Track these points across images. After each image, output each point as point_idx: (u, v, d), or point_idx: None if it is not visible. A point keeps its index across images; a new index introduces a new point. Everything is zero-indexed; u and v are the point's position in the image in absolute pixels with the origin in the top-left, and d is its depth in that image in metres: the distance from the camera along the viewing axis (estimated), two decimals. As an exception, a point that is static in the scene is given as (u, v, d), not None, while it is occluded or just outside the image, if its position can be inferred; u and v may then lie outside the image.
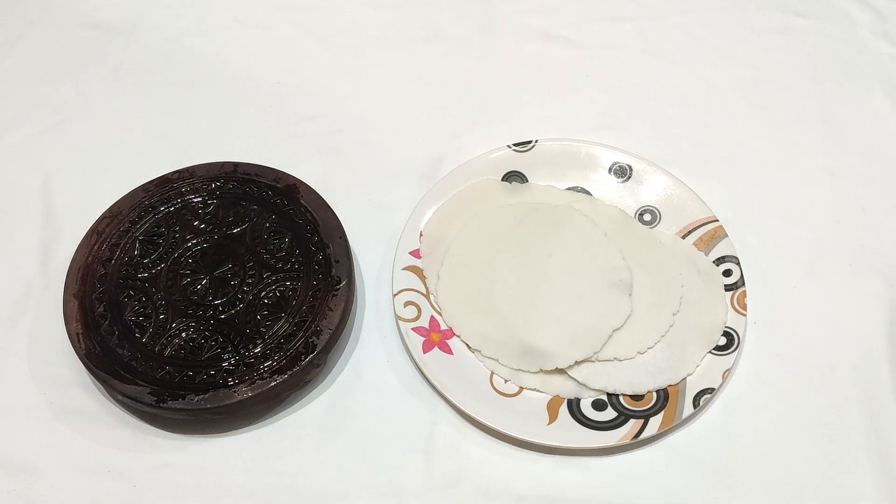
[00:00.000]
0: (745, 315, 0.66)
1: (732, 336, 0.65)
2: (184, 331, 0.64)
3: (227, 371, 0.61)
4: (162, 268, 0.67)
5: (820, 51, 0.85)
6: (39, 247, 0.72)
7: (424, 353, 0.64)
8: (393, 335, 0.67)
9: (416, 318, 0.66)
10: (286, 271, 0.67)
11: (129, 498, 0.60)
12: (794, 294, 0.69)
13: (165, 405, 0.60)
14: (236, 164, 0.73)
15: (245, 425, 0.63)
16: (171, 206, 0.70)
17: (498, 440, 0.62)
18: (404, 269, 0.68)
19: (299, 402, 0.64)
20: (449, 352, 0.65)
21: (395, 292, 0.67)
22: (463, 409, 0.62)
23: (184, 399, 0.60)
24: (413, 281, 0.68)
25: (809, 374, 0.65)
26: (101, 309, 0.65)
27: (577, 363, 0.63)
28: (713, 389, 0.62)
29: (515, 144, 0.75)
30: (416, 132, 0.79)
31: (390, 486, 0.60)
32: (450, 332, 0.66)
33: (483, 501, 0.60)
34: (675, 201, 0.72)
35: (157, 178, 0.72)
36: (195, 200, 0.71)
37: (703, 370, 0.63)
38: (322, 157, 0.77)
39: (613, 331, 0.64)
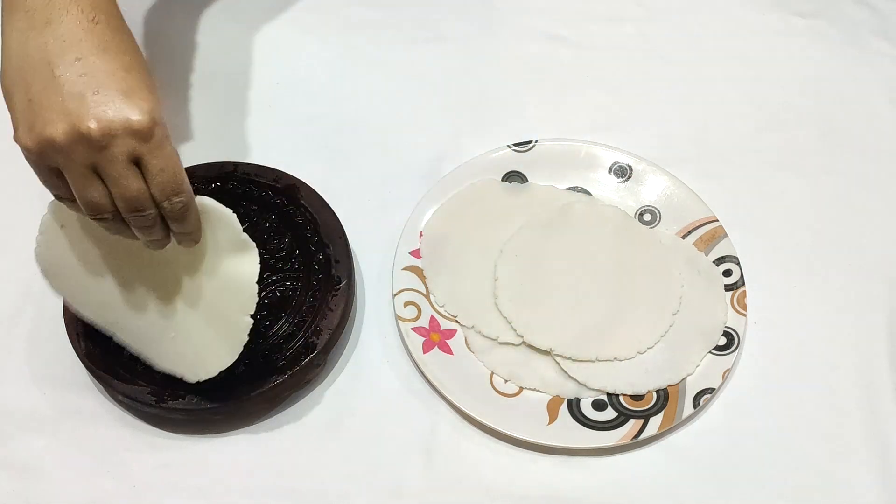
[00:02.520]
0: (745, 315, 0.66)
1: (732, 336, 0.65)
2: (184, 331, 0.64)
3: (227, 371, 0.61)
4: (162, 268, 0.67)
5: (820, 51, 0.85)
6: (39, 247, 0.72)
7: (424, 353, 0.64)
8: (393, 335, 0.67)
9: (416, 318, 0.66)
10: (286, 271, 0.67)
11: (129, 498, 0.60)
12: (794, 294, 0.69)
13: (165, 405, 0.60)
14: (236, 164, 0.73)
15: (245, 425, 0.63)
16: (171, 206, 0.70)
17: (498, 440, 0.62)
18: (404, 269, 0.68)
19: (299, 402, 0.64)
20: (449, 352, 0.65)
21: (395, 292, 0.67)
22: (463, 409, 0.62)
23: (184, 399, 0.60)
24: (413, 281, 0.68)
25: (809, 374, 0.65)
26: (101, 309, 0.65)
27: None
28: (713, 389, 0.62)
29: (515, 144, 0.75)
30: (417, 132, 0.79)
31: (390, 486, 0.60)
32: (450, 332, 0.66)
33: (483, 501, 0.60)
34: (675, 201, 0.72)
35: (157, 178, 0.72)
36: (195, 200, 0.71)
37: (703, 370, 0.63)
38: (322, 157, 0.77)
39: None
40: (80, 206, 0.47)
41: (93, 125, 0.44)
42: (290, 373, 0.61)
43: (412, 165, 0.77)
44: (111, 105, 0.44)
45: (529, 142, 0.75)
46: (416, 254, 0.69)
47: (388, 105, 0.81)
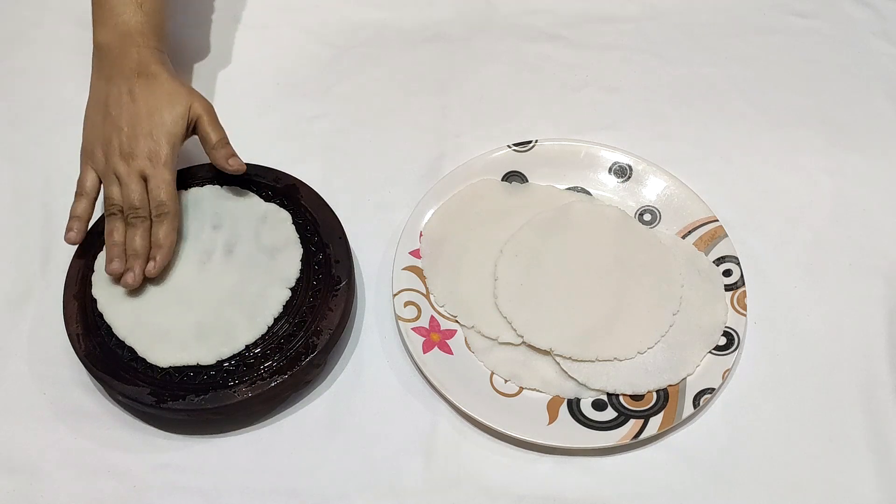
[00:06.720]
0: (745, 315, 0.66)
1: (732, 336, 0.65)
2: (184, 331, 0.64)
3: (227, 371, 0.61)
4: (162, 268, 0.67)
5: (820, 51, 0.85)
6: (39, 247, 0.72)
7: (424, 353, 0.64)
8: (393, 335, 0.67)
9: (416, 318, 0.66)
10: (286, 271, 0.67)
11: (129, 498, 0.60)
12: (794, 294, 0.69)
13: (165, 405, 0.60)
14: (236, 164, 0.73)
15: (245, 425, 0.63)
16: (171, 206, 0.70)
17: (498, 440, 0.62)
18: (404, 269, 0.68)
19: (299, 402, 0.64)
20: (449, 352, 0.65)
21: (395, 292, 0.67)
22: (463, 409, 0.62)
23: (184, 399, 0.60)
24: (413, 281, 0.68)
25: (809, 374, 0.65)
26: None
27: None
28: (713, 389, 0.62)
29: (515, 144, 0.75)
30: (416, 132, 0.79)
31: (390, 486, 0.60)
32: (450, 332, 0.66)
33: (483, 501, 0.60)
34: (675, 201, 0.72)
35: (158, 179, 0.72)
36: (195, 200, 0.71)
37: (703, 370, 0.63)
38: (322, 157, 0.77)
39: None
40: (104, 199, 0.65)
41: (125, 149, 0.64)
42: (290, 373, 0.61)
43: (412, 165, 0.77)
44: (137, 140, 0.64)
45: (529, 142, 0.75)
46: (416, 254, 0.69)
47: (389, 105, 0.81)
